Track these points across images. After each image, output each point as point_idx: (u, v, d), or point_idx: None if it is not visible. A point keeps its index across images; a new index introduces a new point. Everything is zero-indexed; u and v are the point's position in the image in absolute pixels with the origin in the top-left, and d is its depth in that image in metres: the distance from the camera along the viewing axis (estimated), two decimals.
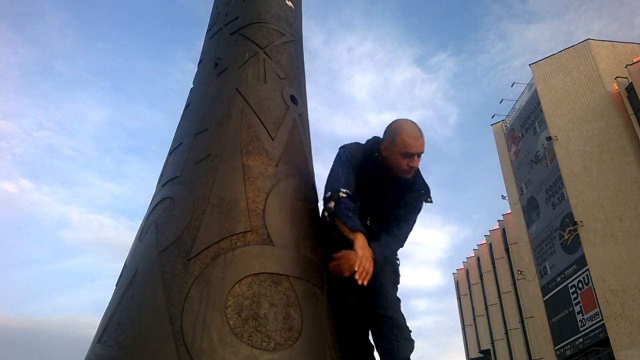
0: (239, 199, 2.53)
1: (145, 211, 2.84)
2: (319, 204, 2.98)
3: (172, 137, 3.19)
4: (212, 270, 2.27)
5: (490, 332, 55.62)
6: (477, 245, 57.68)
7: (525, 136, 32.29)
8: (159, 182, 2.93)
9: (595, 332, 23.50)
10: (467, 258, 61.58)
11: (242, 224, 2.44)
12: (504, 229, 50.32)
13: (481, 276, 57.56)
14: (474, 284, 59.11)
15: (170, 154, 3.03)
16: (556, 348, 27.12)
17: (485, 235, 54.78)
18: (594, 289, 23.59)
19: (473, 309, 59.73)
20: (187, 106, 3.26)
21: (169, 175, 2.83)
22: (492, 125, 38.06)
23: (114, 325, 2.26)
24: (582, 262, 24.75)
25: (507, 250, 49.28)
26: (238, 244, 2.38)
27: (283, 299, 2.31)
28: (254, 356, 2.07)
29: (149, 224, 2.65)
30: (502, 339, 52.31)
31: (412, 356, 2.78)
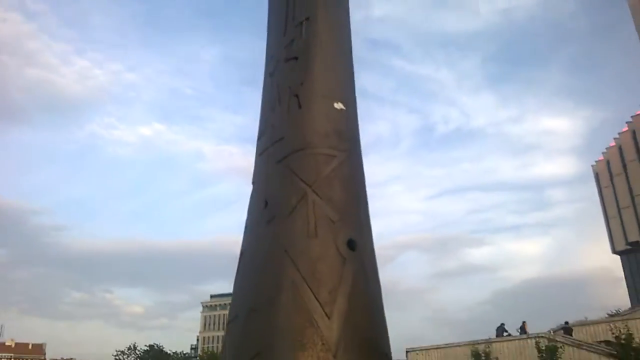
0: None
1: None
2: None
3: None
4: None
5: (639, 223, 51.61)
6: (618, 133, 52.31)
7: None
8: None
9: None
10: (606, 148, 56.32)
11: None
12: None
13: (625, 166, 52.68)
14: (617, 175, 54.41)
15: (228, 324, 2.87)
16: None
17: (626, 122, 49.30)
18: None
19: (617, 201, 55.49)
20: (241, 254, 3.04)
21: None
22: None
23: None
24: None
25: None
26: None
27: None
28: None
29: None
30: None
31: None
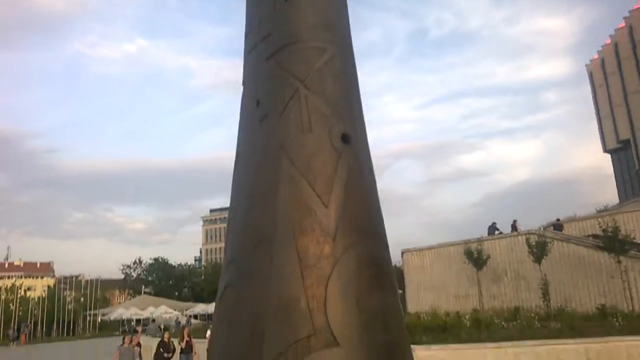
0: (299, 298, 2.48)
1: None
2: (386, 254, 2.83)
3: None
4: None
5: (631, 121, 51.89)
6: (614, 29, 51.02)
7: None
8: (225, 255, 2.95)
9: None
10: (602, 46, 55.22)
11: (304, 328, 2.43)
12: None
13: (619, 64, 51.99)
14: (611, 73, 53.81)
15: (229, 221, 2.98)
16: None
17: (623, 18, 47.88)
18: None
19: (610, 100, 55.31)
20: (237, 155, 3.09)
21: (231, 253, 2.83)
22: None
23: None
24: None
25: None
26: (303, 351, 2.40)
27: None
28: None
29: (222, 313, 2.76)
30: None
31: None
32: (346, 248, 2.61)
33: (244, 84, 3.22)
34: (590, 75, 58.65)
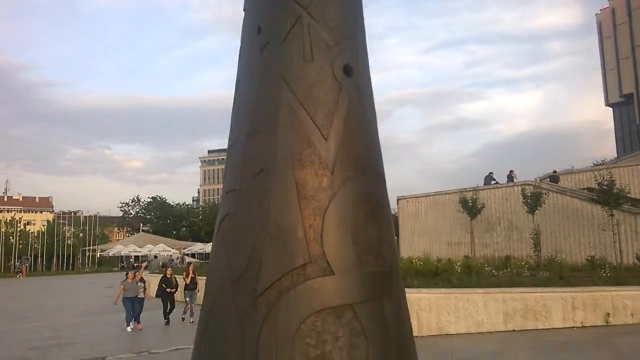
0: (296, 227, 2.50)
1: None
2: (383, 189, 2.84)
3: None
4: (277, 312, 2.41)
5: (636, 75, 51.19)
6: None
7: None
8: (224, 185, 2.95)
9: None
10: None
11: (300, 256, 2.47)
12: None
13: (630, 14, 50.67)
14: (621, 24, 52.56)
15: (229, 149, 2.96)
16: None
17: None
18: None
19: (617, 52, 54.30)
20: (237, 82, 3.03)
21: (231, 182, 2.83)
22: None
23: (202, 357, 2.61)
24: None
25: None
26: (299, 279, 2.44)
27: (347, 331, 2.43)
28: None
29: (220, 240, 2.78)
30: None
31: None
32: (344, 181, 2.61)
33: (245, 9, 3.12)
34: (599, 26, 57.28)
